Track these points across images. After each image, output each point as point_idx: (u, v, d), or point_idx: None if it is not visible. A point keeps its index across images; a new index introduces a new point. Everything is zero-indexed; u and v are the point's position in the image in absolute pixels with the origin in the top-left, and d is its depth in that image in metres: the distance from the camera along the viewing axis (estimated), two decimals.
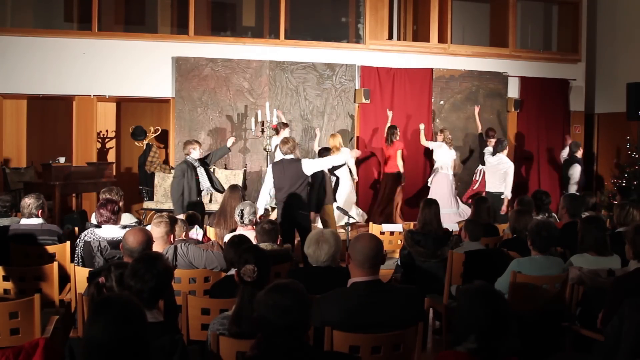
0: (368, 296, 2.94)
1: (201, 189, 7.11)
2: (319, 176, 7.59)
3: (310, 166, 6.48)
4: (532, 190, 8.78)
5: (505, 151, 8.71)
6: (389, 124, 9.56)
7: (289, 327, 2.27)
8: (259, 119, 9.25)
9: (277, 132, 8.67)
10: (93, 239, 4.64)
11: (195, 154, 7.14)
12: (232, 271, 3.63)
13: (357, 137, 10.19)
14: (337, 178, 8.66)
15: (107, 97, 9.56)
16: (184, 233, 4.86)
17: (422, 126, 9.62)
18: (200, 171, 7.10)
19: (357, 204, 9.54)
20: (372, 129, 10.18)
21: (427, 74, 10.43)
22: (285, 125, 8.82)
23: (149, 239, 3.73)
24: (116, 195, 5.54)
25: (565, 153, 9.91)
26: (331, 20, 11.57)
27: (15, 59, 9.06)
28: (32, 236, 5.05)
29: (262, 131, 9.12)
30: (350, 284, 3.01)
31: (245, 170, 9.43)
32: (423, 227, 5.21)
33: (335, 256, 3.74)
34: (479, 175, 9.36)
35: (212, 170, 7.48)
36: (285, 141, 6.61)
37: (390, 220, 9.02)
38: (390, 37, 10.97)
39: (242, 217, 5.10)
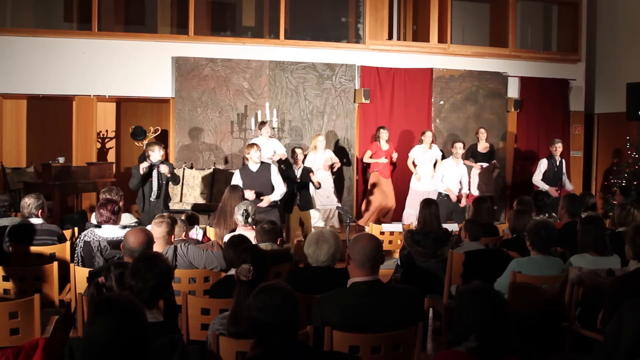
0: (368, 296, 2.94)
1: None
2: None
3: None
4: (532, 190, 8.79)
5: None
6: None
7: (282, 326, 2.28)
8: (259, 119, 9.26)
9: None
10: (93, 239, 4.64)
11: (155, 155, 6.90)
12: (232, 271, 3.63)
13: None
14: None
15: (107, 97, 9.56)
16: (184, 233, 4.87)
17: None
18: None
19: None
20: (373, 130, 10.17)
21: (427, 74, 10.43)
22: (264, 123, 8.69)
23: (149, 239, 3.74)
24: (116, 195, 5.55)
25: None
26: (331, 20, 11.56)
27: (15, 59, 9.06)
28: (32, 236, 5.05)
29: (260, 128, 9.11)
30: (350, 284, 3.01)
31: None
32: (423, 227, 5.22)
33: (335, 256, 3.74)
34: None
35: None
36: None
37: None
38: (390, 37, 10.97)
39: (246, 218, 5.09)
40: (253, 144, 6.99)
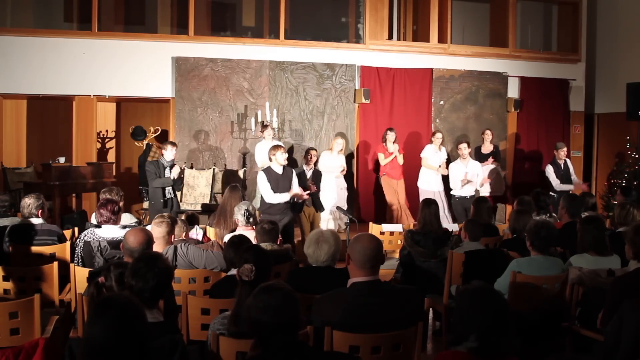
0: (368, 296, 2.94)
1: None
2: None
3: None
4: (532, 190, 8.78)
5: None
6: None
7: (283, 326, 2.29)
8: (259, 119, 9.26)
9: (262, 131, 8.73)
10: (93, 239, 4.64)
11: (168, 154, 7.23)
12: (233, 271, 3.63)
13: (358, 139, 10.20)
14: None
15: (107, 97, 9.56)
16: (184, 233, 4.87)
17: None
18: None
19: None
20: (373, 130, 10.17)
21: (427, 74, 10.43)
22: (266, 126, 8.79)
23: (149, 239, 3.74)
24: (116, 196, 5.55)
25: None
26: (331, 20, 11.57)
27: (15, 59, 9.06)
28: (32, 236, 5.05)
29: (262, 131, 9.12)
30: (350, 284, 3.01)
31: (245, 170, 9.43)
32: (423, 227, 5.22)
33: (335, 256, 3.74)
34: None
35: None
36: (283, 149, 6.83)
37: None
38: (390, 37, 10.97)
39: (248, 218, 5.08)
40: (279, 146, 6.95)
